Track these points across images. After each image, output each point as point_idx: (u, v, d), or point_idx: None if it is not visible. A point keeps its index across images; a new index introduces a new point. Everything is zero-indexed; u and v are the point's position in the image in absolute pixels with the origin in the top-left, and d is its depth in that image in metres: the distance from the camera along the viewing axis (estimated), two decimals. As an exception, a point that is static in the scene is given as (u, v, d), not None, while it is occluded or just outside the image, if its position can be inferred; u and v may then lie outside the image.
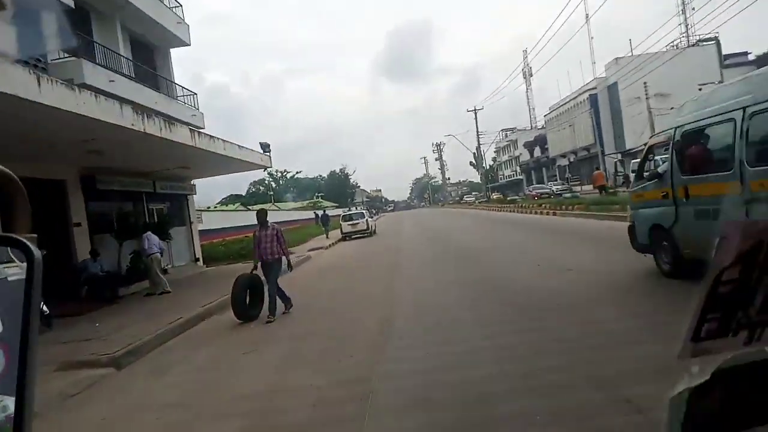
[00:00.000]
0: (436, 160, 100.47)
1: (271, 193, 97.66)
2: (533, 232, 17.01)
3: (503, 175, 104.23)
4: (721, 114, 5.90)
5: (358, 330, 6.78)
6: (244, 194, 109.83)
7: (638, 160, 7.73)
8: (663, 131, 7.55)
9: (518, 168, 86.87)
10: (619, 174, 29.60)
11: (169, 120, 11.77)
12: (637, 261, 7.85)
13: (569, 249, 11.64)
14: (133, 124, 9.86)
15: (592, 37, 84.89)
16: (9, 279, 0.80)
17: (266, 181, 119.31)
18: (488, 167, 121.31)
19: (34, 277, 0.75)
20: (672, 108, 12.86)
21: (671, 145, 6.86)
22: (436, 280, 9.89)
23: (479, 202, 71.26)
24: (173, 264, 17.22)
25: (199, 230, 21.77)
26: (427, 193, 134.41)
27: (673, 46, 49.66)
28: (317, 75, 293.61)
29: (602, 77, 51.17)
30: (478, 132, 63.44)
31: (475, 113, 59.18)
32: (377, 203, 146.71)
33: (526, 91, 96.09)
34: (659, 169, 7.35)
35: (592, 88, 53.58)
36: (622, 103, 48.76)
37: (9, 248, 0.78)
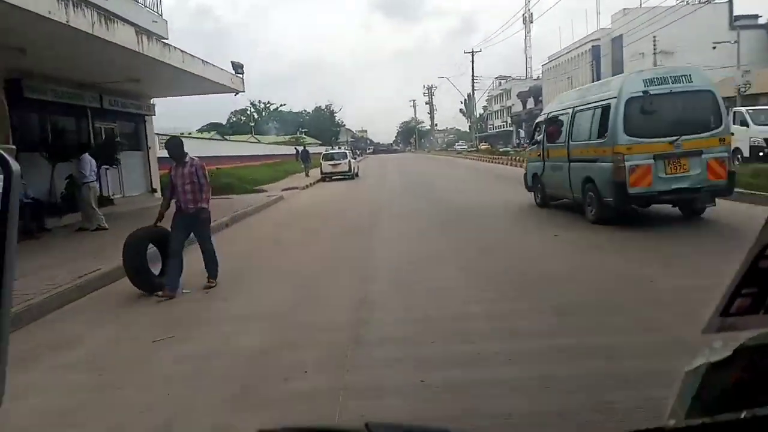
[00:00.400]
0: (426, 103, 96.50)
1: (252, 124, 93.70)
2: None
3: (493, 125, 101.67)
4: (564, 109, 10.35)
5: (323, 311, 5.14)
6: (224, 123, 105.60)
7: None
8: (543, 114, 11.76)
9: (509, 119, 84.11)
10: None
11: (108, 15, 9.20)
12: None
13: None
14: (50, 12, 7.39)
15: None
16: None
17: (248, 111, 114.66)
18: (478, 116, 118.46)
19: (11, 190, 0.74)
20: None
21: (544, 124, 10.96)
22: (424, 254, 7.68)
23: (468, 152, 69.22)
24: (124, 194, 14.91)
25: (165, 157, 19.28)
26: (413, 137, 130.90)
27: (684, 2, 46.65)
28: (308, 3, 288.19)
29: (608, 28, 48.23)
30: (473, 77, 60.10)
31: (473, 55, 55.76)
32: (362, 144, 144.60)
33: (525, 39, 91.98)
34: (537, 138, 11.36)
35: (596, 39, 51.26)
36: (624, 58, 45.63)
37: None
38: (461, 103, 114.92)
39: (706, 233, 7.56)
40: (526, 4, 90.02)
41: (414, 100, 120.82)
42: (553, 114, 10.72)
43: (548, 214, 10.25)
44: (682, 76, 8.27)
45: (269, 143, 61.08)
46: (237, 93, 15.77)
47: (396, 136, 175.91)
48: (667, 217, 8.60)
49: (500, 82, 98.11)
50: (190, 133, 45.18)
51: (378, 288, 5.68)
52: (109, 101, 14.01)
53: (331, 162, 27.29)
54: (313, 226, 10.57)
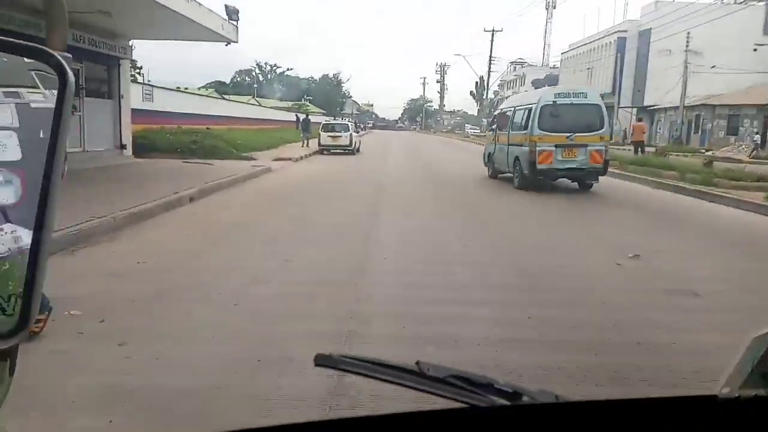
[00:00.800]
0: (438, 81, 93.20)
1: (256, 85, 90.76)
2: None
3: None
4: (509, 108, 14.46)
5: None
6: (227, 82, 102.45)
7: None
8: (498, 110, 16.99)
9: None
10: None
11: None
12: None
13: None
14: None
15: (631, -24, 77.22)
16: (32, 105, 0.77)
17: (254, 73, 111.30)
18: (489, 100, 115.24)
19: (65, 97, 0.70)
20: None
21: (497, 117, 15.00)
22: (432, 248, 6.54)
23: (476, 136, 67.11)
24: (85, 148, 12.68)
25: (148, 110, 17.09)
26: (420, 116, 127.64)
27: (720, 1, 43.97)
28: None
29: (636, 20, 45.57)
30: (491, 57, 57.62)
31: (492, 35, 52.54)
32: (366, 118, 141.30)
33: (545, 24, 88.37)
34: (492, 127, 15.43)
35: (622, 31, 48.76)
36: (651, 54, 44.54)
37: (34, 71, 0.72)
38: (475, 84, 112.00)
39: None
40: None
41: (425, 78, 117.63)
42: (503, 110, 14.84)
43: (496, 183, 14.39)
44: (580, 93, 12.73)
45: (271, 107, 58.22)
46: (229, 43, 13.49)
47: (402, 114, 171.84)
48: (568, 189, 12.61)
49: (515, 67, 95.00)
50: (186, 88, 42.37)
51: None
52: (74, 36, 11.69)
53: (331, 134, 25.35)
54: (293, 212, 8.36)
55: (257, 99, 67.55)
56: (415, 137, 56.34)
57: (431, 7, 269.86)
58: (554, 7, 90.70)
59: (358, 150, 25.79)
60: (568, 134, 11.53)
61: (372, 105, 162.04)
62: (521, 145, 12.09)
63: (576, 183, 12.40)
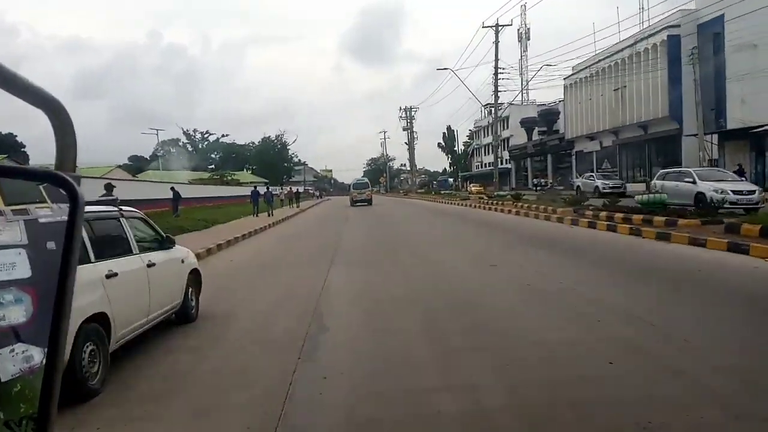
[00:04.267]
0: (404, 129, 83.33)
1: (180, 157, 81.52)
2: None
3: (481, 162, 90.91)
4: None
5: None
6: (147, 157, 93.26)
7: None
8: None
9: (506, 154, 73.52)
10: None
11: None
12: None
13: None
14: None
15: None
16: (40, 221, 0.85)
17: (180, 143, 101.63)
18: (460, 152, 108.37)
19: (77, 218, 0.78)
20: None
21: None
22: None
23: (455, 195, 58.54)
24: None
25: None
26: (383, 176, 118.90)
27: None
28: (279, 47, 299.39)
29: (690, 10, 36.62)
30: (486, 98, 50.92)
31: (496, 31, 43.30)
32: (325, 183, 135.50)
33: (520, 59, 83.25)
34: None
35: (673, 26, 37.74)
36: (727, 51, 33.27)
37: (42, 185, 0.83)
38: (443, 135, 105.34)
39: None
40: (522, 18, 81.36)
41: (385, 132, 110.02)
42: None
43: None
44: None
45: (190, 181, 48.83)
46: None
47: (363, 175, 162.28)
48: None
49: (490, 110, 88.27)
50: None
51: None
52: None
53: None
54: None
55: (158, 173, 57.67)
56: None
57: (386, 75, 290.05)
58: (528, 39, 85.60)
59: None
60: None
61: (330, 171, 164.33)
62: None
63: None
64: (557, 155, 60.07)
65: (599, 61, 45.89)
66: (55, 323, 0.72)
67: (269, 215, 31.17)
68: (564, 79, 52.41)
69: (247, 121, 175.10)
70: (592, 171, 43.04)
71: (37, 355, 0.76)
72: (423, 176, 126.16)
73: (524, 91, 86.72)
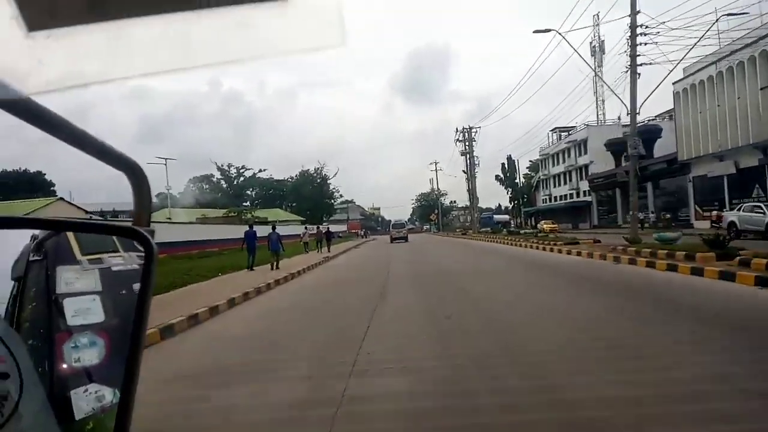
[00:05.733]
0: (462, 154, 68.74)
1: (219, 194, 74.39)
2: None
3: (549, 195, 78.88)
4: None
5: None
6: (176, 194, 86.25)
7: None
8: None
9: (581, 183, 61.81)
10: None
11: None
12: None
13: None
14: None
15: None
16: (113, 269, 0.97)
17: (214, 179, 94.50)
18: (521, 183, 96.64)
19: (151, 270, 0.87)
20: None
21: None
22: None
23: (508, 232, 53.78)
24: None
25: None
26: (435, 212, 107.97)
27: None
28: (327, 90, 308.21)
29: None
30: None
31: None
32: (370, 222, 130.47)
33: (595, 74, 71.85)
34: None
35: None
36: None
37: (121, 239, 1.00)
38: (502, 166, 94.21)
39: None
40: (594, 30, 71.00)
41: (436, 162, 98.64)
42: None
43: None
44: None
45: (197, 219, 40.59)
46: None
47: (411, 214, 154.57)
48: None
49: (560, 135, 76.91)
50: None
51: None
52: None
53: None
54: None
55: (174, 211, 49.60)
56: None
57: (433, 114, 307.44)
58: (603, 51, 74.72)
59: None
60: None
61: (378, 209, 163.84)
62: None
63: None
64: (656, 181, 48.02)
65: (731, 54, 34.19)
66: (130, 365, 0.81)
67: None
68: (674, 83, 40.83)
69: (296, 164, 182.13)
70: (757, 198, 31.77)
71: (109, 395, 0.86)
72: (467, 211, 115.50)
73: (601, 110, 75.36)
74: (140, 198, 0.95)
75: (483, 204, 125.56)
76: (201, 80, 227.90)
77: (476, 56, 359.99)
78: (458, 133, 74.49)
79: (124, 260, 0.92)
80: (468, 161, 73.91)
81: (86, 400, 0.84)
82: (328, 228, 41.95)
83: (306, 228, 38.45)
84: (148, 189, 0.94)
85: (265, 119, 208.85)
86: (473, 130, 73.23)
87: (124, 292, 0.89)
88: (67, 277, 0.94)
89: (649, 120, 60.43)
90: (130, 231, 0.90)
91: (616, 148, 59.78)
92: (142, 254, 0.88)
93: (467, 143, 72.68)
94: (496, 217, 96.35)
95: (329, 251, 37.31)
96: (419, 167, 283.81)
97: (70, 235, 0.97)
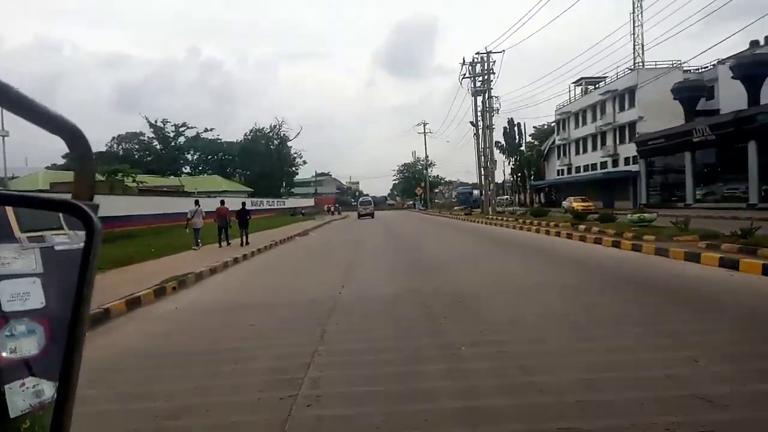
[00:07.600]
0: (473, 95, 47.81)
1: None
2: None
3: (568, 166, 63.21)
4: None
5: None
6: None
7: None
8: None
9: (622, 148, 46.68)
10: None
11: None
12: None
13: None
14: None
15: None
16: (56, 248, 0.87)
17: (145, 138, 76.95)
18: (524, 151, 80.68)
19: (92, 248, 0.80)
20: None
21: None
22: None
23: (514, 213, 43.34)
24: None
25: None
26: (421, 186, 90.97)
27: None
28: (311, 62, 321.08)
29: None
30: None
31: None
32: (346, 197, 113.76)
33: (632, 17, 57.41)
34: None
35: None
36: None
37: (62, 214, 0.90)
38: (504, 130, 77.98)
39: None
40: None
41: (425, 124, 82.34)
42: None
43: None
44: None
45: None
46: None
47: (392, 189, 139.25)
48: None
49: (586, 89, 61.08)
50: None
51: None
52: None
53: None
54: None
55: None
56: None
57: (417, 91, 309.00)
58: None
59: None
60: None
61: (357, 183, 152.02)
62: None
63: None
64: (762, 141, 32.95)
65: None
66: (68, 356, 0.74)
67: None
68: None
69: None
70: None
71: (48, 389, 0.77)
72: (462, 186, 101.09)
73: (640, 56, 59.63)
74: (82, 167, 0.85)
75: (468, 179, 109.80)
76: (179, 48, 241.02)
77: (464, 25, 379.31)
78: (465, 65, 52.46)
79: (70, 238, 0.81)
80: (485, 105, 49.12)
81: (23, 395, 0.74)
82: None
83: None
84: (91, 158, 0.84)
85: (244, 90, 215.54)
86: (491, 57, 50.04)
87: (68, 274, 0.77)
88: (2, 257, 0.82)
89: (689, 70, 45.96)
90: (69, 205, 0.81)
91: (688, 95, 44.73)
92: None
93: (486, 73, 48.91)
94: (476, 192, 76.48)
95: (246, 242, 24.58)
96: (402, 139, 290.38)
97: (9, 209, 0.85)
